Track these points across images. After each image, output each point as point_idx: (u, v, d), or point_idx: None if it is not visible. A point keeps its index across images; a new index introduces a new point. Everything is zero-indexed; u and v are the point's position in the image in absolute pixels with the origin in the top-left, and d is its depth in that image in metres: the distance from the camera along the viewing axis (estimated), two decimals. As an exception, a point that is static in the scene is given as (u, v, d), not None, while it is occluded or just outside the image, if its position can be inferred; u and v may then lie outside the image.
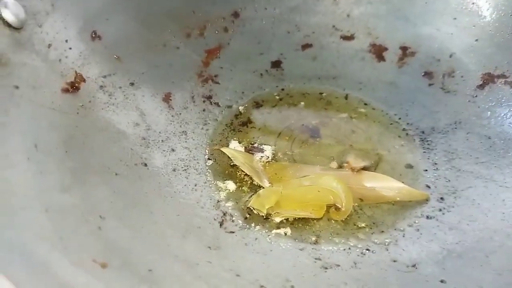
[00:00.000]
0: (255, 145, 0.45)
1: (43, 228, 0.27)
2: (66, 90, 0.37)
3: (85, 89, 0.40)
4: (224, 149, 0.43)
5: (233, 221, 0.38)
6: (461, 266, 0.34)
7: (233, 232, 0.37)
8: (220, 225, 0.37)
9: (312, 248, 0.37)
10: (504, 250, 0.35)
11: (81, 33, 0.42)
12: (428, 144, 0.46)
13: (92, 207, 0.31)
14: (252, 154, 0.44)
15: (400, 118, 0.48)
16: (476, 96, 0.46)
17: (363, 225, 0.39)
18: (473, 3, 0.48)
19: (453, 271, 0.34)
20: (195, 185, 0.41)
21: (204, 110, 0.48)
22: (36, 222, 0.27)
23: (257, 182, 0.41)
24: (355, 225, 0.39)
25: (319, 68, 0.54)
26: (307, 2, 0.54)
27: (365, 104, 0.50)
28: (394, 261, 0.35)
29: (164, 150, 0.42)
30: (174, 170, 0.41)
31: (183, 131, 0.45)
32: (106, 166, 0.36)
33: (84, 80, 0.39)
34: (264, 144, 0.46)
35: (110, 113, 0.40)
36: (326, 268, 0.34)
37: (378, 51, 0.52)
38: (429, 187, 0.42)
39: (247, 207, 0.39)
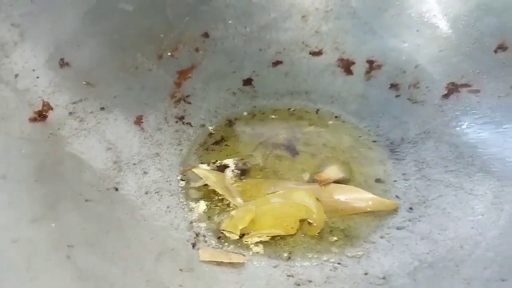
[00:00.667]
0: (217, 163, 0.46)
1: (10, 259, 0.27)
2: (33, 119, 0.38)
3: (54, 117, 0.40)
4: (195, 170, 0.44)
5: (206, 241, 0.38)
6: (432, 277, 0.35)
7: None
8: (193, 246, 0.38)
9: (286, 265, 0.37)
10: (473, 259, 0.35)
11: (50, 61, 0.42)
12: (397, 154, 0.47)
13: (62, 236, 0.31)
14: (223, 172, 0.45)
15: (370, 130, 0.49)
16: (442, 105, 0.47)
17: (335, 238, 0.39)
18: (434, 15, 0.50)
19: (424, 281, 0.35)
20: (168, 207, 0.41)
21: (177, 130, 0.49)
22: (3, 254, 0.27)
23: (229, 201, 0.42)
24: (328, 239, 0.39)
25: (290, 84, 0.54)
26: (276, 20, 0.55)
27: (336, 117, 0.51)
28: (366, 273, 0.36)
29: (137, 173, 0.42)
30: (146, 193, 0.41)
31: (156, 153, 0.45)
32: (77, 193, 0.36)
33: (51, 108, 0.40)
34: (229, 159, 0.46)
35: (81, 139, 0.41)
36: (299, 285, 0.35)
37: (346, 65, 0.54)
38: (399, 197, 0.42)
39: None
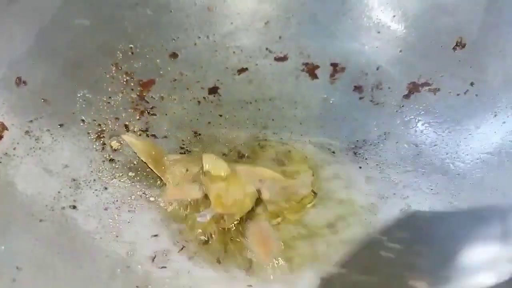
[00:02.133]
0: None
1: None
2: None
3: (9, 137, 0.40)
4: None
5: (166, 255, 0.38)
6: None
7: (165, 267, 0.37)
8: (152, 260, 0.37)
9: (246, 276, 0.37)
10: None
11: (5, 80, 0.42)
12: (360, 156, 0.47)
13: (9, 258, 0.31)
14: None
15: (332, 134, 0.49)
16: (403, 106, 0.47)
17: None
18: (394, 16, 0.50)
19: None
20: (129, 222, 0.41)
21: (141, 144, 0.48)
22: None
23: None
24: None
25: (255, 90, 0.54)
26: (239, 27, 0.55)
27: (300, 123, 0.51)
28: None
29: (97, 189, 0.42)
30: (106, 209, 0.41)
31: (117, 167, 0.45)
32: (30, 214, 0.36)
33: (6, 128, 0.39)
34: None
35: (36, 158, 0.40)
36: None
37: (311, 69, 0.53)
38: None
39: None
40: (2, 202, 0.35)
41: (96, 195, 0.42)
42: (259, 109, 0.53)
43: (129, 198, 0.43)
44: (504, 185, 0.41)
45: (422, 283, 0.36)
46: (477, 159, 0.42)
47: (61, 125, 0.44)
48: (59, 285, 0.31)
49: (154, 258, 0.38)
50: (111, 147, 0.46)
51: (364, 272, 0.37)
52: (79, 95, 0.47)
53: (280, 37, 0.54)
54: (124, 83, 0.50)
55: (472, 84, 0.43)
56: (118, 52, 0.50)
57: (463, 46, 0.44)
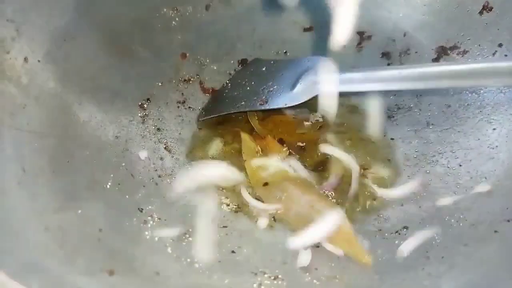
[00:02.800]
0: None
1: (48, 246, 0.28)
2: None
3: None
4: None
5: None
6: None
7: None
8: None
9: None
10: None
11: (49, 55, 0.42)
12: (395, 120, 0.49)
13: (88, 222, 0.32)
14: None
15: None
16: (433, 69, 0.49)
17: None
18: (417, -18, 0.52)
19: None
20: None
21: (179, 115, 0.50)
22: (40, 242, 0.28)
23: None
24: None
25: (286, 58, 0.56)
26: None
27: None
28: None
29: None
30: (159, 176, 0.42)
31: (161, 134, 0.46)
32: (94, 181, 0.37)
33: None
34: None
35: (90, 130, 0.41)
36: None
37: (338, 38, 0.55)
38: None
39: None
40: (65, 172, 0.36)
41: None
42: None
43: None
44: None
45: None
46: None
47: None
48: (139, 243, 0.33)
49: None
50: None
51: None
52: (120, 68, 0.47)
53: (307, 8, 0.56)
54: (160, 56, 0.51)
55: (500, 45, 0.45)
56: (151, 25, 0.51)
57: (490, 9, 0.46)
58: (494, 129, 0.43)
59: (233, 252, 0.36)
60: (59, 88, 0.41)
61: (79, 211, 0.33)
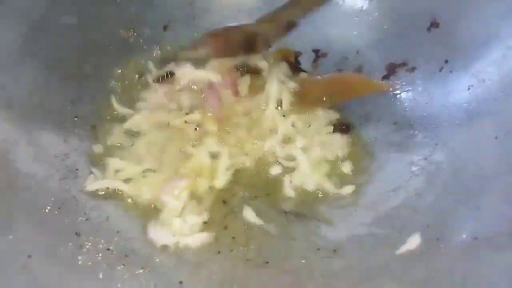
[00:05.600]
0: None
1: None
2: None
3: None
4: None
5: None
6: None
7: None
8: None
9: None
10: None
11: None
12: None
13: (18, 249, 0.32)
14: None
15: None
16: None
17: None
18: (371, 0, 0.52)
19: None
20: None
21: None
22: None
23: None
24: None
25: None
26: (223, 19, 0.57)
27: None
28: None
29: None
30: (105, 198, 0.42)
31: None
32: (33, 206, 0.37)
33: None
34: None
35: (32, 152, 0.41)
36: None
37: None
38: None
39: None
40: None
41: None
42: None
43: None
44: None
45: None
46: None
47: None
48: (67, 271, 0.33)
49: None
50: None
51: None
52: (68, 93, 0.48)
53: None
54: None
55: (446, 61, 0.45)
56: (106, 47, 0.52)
57: (437, 25, 0.47)
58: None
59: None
60: (5, 113, 0.42)
61: (10, 237, 0.33)
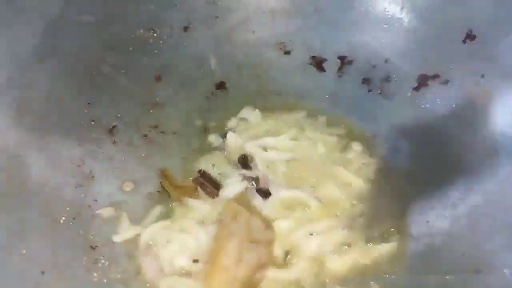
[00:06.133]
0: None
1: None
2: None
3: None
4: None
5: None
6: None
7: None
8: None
9: None
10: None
11: (12, 80, 0.41)
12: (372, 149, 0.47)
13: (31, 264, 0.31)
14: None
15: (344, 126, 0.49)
16: (413, 98, 0.47)
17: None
18: (402, 8, 0.50)
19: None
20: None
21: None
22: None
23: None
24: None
25: (263, 84, 0.54)
26: (246, 20, 0.55)
27: (308, 116, 0.51)
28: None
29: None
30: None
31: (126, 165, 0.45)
32: (46, 217, 0.36)
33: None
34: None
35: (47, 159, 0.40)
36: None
37: (318, 62, 0.53)
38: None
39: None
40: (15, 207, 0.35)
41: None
42: (267, 102, 0.53)
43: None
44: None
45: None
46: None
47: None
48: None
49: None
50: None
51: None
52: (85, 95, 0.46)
53: (285, 31, 0.54)
54: (131, 79, 0.50)
55: (483, 76, 0.43)
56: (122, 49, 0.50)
57: (473, 38, 0.44)
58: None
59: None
60: (19, 116, 0.40)
61: (24, 251, 0.31)
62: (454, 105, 0.44)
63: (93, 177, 0.41)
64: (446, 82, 0.46)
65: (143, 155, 0.46)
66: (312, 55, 0.53)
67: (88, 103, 0.46)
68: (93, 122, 0.45)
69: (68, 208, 0.37)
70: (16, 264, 0.31)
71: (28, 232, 0.33)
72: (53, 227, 0.35)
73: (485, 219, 0.35)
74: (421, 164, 0.44)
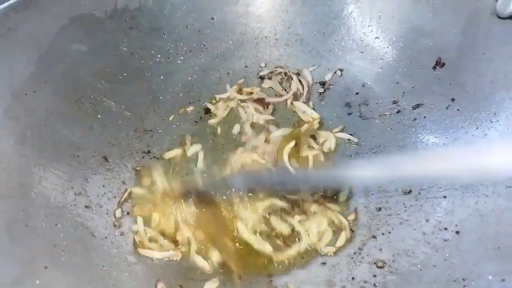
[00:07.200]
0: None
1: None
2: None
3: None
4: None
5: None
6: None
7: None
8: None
9: None
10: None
11: (10, 111, 0.41)
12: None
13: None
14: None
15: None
16: (390, 120, 0.51)
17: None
18: (376, 37, 0.54)
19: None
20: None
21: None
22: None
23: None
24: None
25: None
26: (230, 49, 0.57)
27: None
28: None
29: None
30: (121, 234, 0.42)
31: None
32: (52, 245, 0.36)
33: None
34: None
35: (50, 187, 0.40)
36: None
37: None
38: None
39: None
40: (23, 237, 0.35)
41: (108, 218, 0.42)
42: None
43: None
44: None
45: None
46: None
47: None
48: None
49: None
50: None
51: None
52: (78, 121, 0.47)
53: (268, 58, 0.58)
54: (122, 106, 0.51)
55: (453, 99, 0.47)
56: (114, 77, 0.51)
57: (442, 65, 0.49)
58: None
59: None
60: (18, 145, 0.40)
61: (37, 281, 0.32)
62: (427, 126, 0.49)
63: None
64: (418, 106, 0.50)
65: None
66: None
67: (82, 130, 0.46)
68: (89, 150, 0.46)
69: (73, 236, 0.38)
70: None
71: (38, 262, 0.34)
72: (60, 256, 0.36)
73: (468, 232, 0.39)
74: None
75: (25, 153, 0.41)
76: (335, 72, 0.56)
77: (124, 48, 0.52)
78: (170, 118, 0.53)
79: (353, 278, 0.39)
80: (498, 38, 0.44)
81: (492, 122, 0.44)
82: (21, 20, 0.44)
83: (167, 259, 0.41)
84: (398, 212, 0.44)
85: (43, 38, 0.46)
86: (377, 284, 0.38)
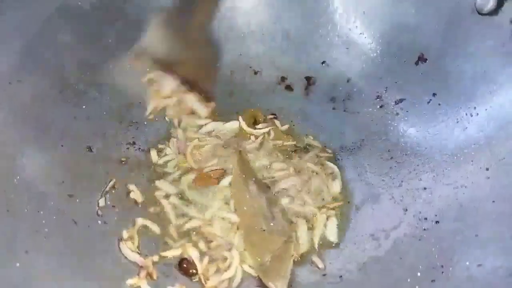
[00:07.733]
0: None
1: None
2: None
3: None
4: None
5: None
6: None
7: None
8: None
9: None
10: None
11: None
12: (339, 162, 0.51)
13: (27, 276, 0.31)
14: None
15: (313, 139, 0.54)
16: (374, 114, 0.52)
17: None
18: (360, 33, 0.55)
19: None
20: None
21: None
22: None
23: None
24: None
25: (235, 103, 0.57)
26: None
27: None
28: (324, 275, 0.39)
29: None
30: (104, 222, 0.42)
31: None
32: (34, 230, 0.36)
33: None
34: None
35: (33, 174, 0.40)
36: None
37: (287, 83, 0.57)
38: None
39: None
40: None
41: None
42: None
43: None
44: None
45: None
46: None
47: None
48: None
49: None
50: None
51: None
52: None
53: (256, 53, 0.58)
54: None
55: (434, 94, 0.48)
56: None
57: (425, 60, 0.50)
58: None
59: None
60: (1, 134, 0.40)
61: (17, 264, 0.32)
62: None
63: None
64: (400, 100, 0.51)
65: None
66: (280, 75, 0.57)
67: (65, 120, 0.46)
68: (74, 139, 0.46)
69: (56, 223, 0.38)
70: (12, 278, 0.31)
71: (20, 245, 0.34)
72: (42, 240, 0.36)
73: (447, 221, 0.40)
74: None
75: (8, 141, 0.40)
76: (320, 67, 0.56)
77: (110, 40, 0.52)
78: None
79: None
80: (478, 34, 0.45)
81: (472, 116, 0.45)
82: (6, 9, 0.44)
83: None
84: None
85: (28, 28, 0.45)
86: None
